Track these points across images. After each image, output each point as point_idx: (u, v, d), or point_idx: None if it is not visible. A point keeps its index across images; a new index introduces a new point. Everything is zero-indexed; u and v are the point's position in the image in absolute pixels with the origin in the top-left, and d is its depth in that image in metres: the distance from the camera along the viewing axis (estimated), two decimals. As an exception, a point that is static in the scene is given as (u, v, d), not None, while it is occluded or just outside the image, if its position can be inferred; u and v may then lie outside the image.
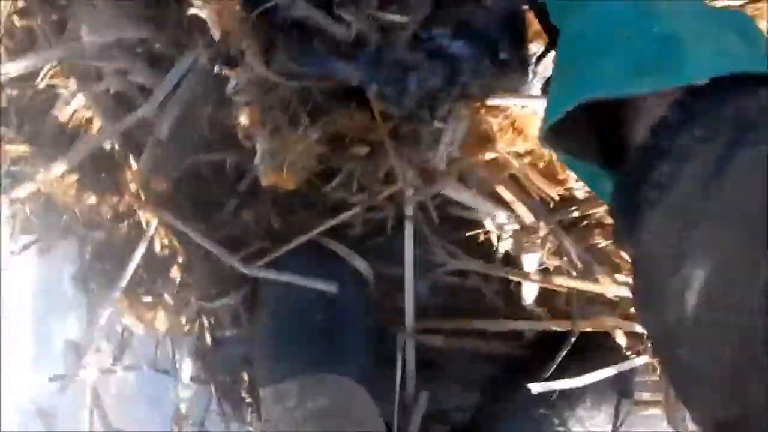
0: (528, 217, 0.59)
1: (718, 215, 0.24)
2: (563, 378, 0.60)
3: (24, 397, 0.72)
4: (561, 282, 0.62)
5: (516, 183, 0.59)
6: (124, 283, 0.64)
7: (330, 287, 0.60)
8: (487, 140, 0.55)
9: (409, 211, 0.61)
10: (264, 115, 0.53)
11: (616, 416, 0.62)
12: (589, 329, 0.62)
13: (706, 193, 0.24)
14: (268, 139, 0.52)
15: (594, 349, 0.62)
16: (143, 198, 0.63)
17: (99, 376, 0.71)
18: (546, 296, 0.64)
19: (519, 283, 0.64)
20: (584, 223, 0.61)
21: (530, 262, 0.62)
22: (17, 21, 0.63)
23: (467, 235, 0.65)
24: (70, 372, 0.69)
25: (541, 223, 0.60)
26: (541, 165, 0.58)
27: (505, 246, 0.63)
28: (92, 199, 0.64)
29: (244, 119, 0.52)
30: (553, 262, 0.62)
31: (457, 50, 0.47)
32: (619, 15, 0.33)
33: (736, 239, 0.22)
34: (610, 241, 0.61)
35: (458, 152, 0.56)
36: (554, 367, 0.61)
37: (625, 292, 0.61)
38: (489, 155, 0.56)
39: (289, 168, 0.55)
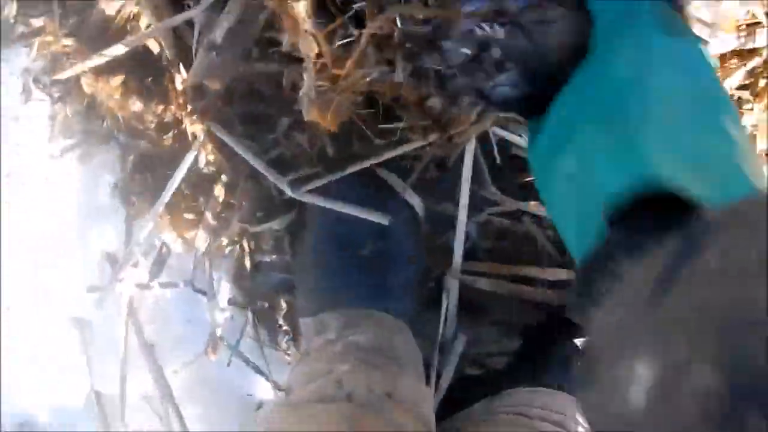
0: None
1: (659, 325, 0.24)
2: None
3: (60, 307, 0.71)
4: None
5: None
6: (167, 197, 0.62)
7: (382, 219, 0.58)
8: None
9: (471, 144, 0.58)
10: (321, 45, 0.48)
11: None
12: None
13: (648, 306, 0.25)
14: (316, 74, 0.49)
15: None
16: (191, 107, 0.60)
17: (136, 291, 0.70)
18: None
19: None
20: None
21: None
22: None
23: (526, 180, 0.62)
24: (107, 284, 0.68)
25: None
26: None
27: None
28: (137, 106, 0.61)
29: (301, 43, 0.48)
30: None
31: None
32: None
33: (676, 347, 0.23)
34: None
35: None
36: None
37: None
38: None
39: (334, 109, 0.51)
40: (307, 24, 0.46)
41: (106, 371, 0.73)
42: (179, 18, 0.55)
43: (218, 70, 0.53)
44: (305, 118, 0.52)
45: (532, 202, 0.61)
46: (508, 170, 0.62)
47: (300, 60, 0.50)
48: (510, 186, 0.62)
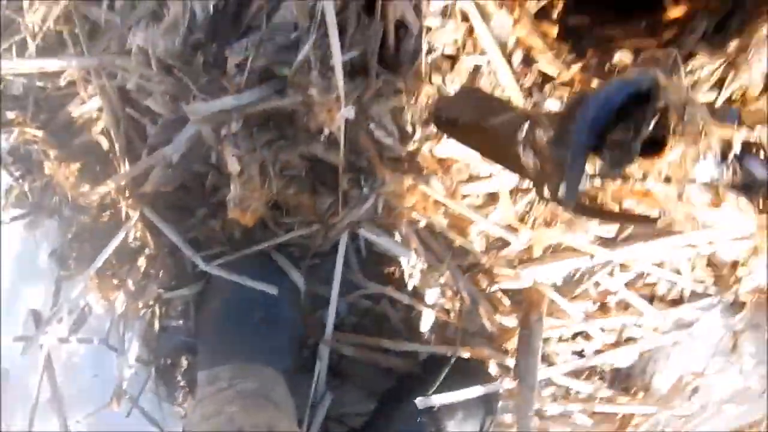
0: (432, 260, 0.76)
1: None
2: (443, 393, 0.75)
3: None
4: (452, 315, 0.78)
5: (429, 229, 0.77)
6: (99, 263, 0.77)
7: (272, 290, 0.75)
8: (408, 194, 0.72)
9: (343, 241, 0.77)
10: (245, 169, 0.69)
11: (481, 429, 0.77)
12: (468, 356, 0.78)
13: None
14: (242, 187, 0.68)
15: (470, 373, 0.78)
16: (129, 194, 0.77)
17: (55, 344, 0.81)
18: (438, 326, 0.80)
19: (419, 313, 0.80)
20: (476, 269, 0.78)
21: (431, 296, 0.78)
22: (52, 25, 0.77)
23: (386, 270, 0.81)
24: (32, 336, 0.80)
25: (444, 266, 0.77)
26: (449, 218, 0.75)
27: (413, 282, 0.79)
28: (86, 188, 0.78)
29: (231, 164, 0.68)
30: (446, 300, 0.78)
31: None
32: None
33: None
34: (493, 287, 0.78)
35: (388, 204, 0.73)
36: (438, 383, 0.76)
37: (505, 325, 0.78)
38: (409, 203, 0.73)
39: (251, 211, 0.71)
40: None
41: (14, 419, 0.82)
42: (128, 126, 0.74)
43: (170, 180, 0.72)
44: (229, 216, 0.70)
45: (389, 287, 0.80)
46: (372, 262, 0.81)
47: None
48: (373, 274, 0.81)
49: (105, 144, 0.80)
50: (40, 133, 0.77)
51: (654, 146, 0.40)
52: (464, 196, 0.75)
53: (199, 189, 0.77)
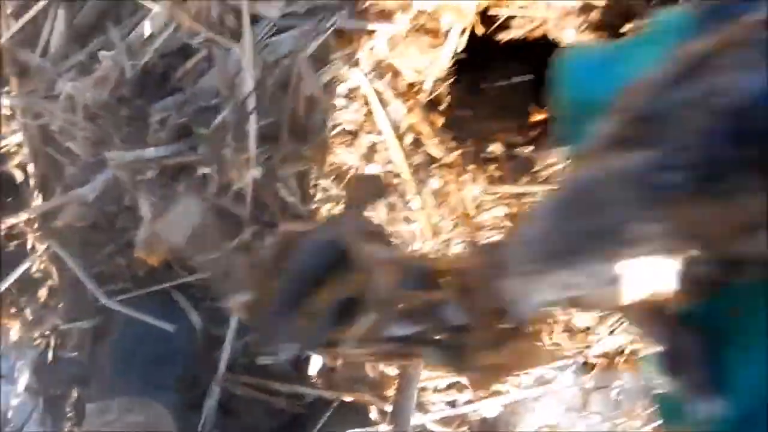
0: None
1: None
2: (325, 434, 0.82)
3: None
4: (339, 361, 0.86)
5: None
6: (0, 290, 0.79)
7: (168, 327, 0.80)
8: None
9: (243, 286, 0.84)
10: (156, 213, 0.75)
11: (357, 469, 0.84)
12: (351, 400, 0.86)
13: None
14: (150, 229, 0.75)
15: (350, 417, 0.85)
16: (39, 227, 0.81)
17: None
18: (326, 371, 0.88)
19: (309, 357, 0.87)
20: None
21: (320, 342, 0.86)
22: None
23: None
24: None
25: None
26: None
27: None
28: (-6, 218, 0.80)
29: (143, 208, 0.74)
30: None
31: None
32: None
33: None
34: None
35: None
36: (320, 425, 0.83)
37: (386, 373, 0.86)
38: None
39: (158, 253, 0.77)
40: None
41: None
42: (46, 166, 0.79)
43: (83, 217, 0.77)
44: (136, 255, 0.75)
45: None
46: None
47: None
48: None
49: (19, 177, 0.84)
50: (-45, 162, 0.80)
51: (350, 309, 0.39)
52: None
53: (109, 228, 0.81)
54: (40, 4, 0.78)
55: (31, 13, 0.79)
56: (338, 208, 0.80)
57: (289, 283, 0.41)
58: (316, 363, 0.87)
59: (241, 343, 0.87)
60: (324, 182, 0.79)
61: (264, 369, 0.89)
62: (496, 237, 0.85)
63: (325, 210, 0.81)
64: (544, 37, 0.81)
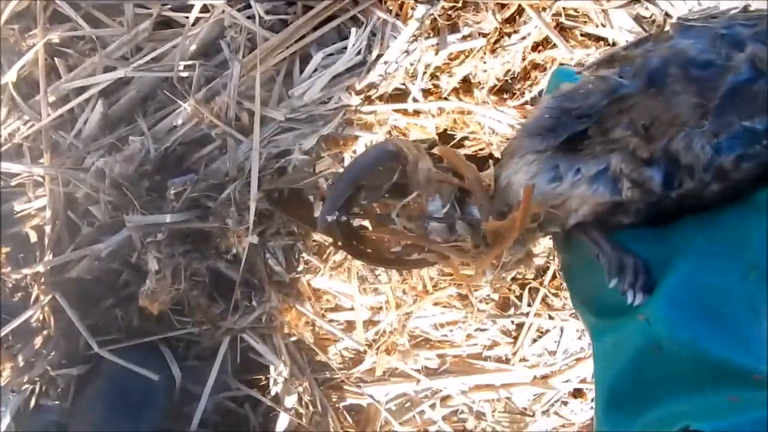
0: (295, 371, 0.95)
1: None
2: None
3: None
4: (304, 421, 0.95)
5: (298, 345, 0.96)
6: None
7: (153, 375, 0.88)
8: (286, 311, 0.93)
9: (224, 346, 0.94)
10: (162, 269, 0.88)
11: None
12: None
13: None
14: (156, 282, 0.87)
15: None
16: (45, 280, 0.91)
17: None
18: (292, 430, 0.96)
19: (276, 416, 0.95)
20: (331, 383, 0.97)
21: (289, 402, 0.95)
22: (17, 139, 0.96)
23: (254, 377, 0.98)
24: None
25: (304, 377, 0.95)
26: (314, 337, 0.96)
27: (276, 388, 0.96)
28: (7, 269, 0.90)
29: (151, 263, 0.87)
30: (301, 407, 0.96)
31: None
32: None
33: None
34: (344, 401, 0.97)
35: (270, 316, 0.94)
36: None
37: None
38: (286, 318, 0.94)
39: (159, 303, 0.88)
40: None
41: None
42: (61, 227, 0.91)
43: (92, 271, 0.89)
44: (141, 303, 0.86)
45: (254, 390, 0.96)
46: (244, 368, 0.97)
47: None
48: (242, 379, 0.97)
49: (33, 237, 0.95)
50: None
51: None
52: (330, 321, 0.97)
53: (111, 282, 0.92)
54: (83, 97, 0.95)
55: (72, 103, 0.96)
56: (318, 278, 0.94)
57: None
58: (283, 421, 0.95)
59: (213, 401, 0.96)
60: (306, 255, 0.94)
61: (233, 427, 0.96)
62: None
63: (305, 280, 0.95)
64: (491, 155, 1.03)
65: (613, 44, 0.95)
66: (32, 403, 0.91)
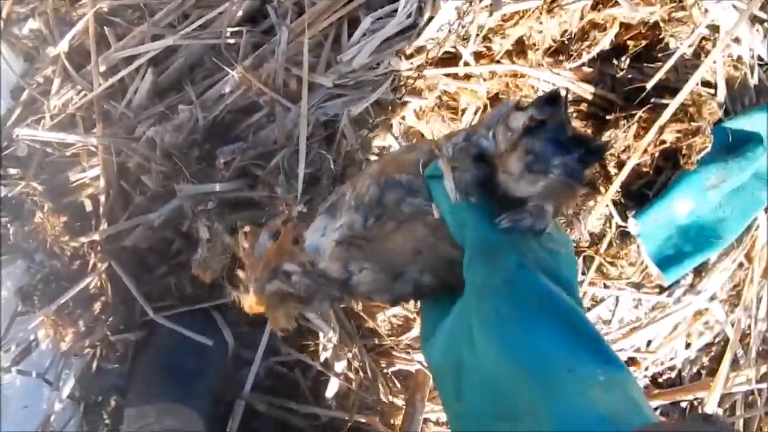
0: (344, 337, 0.96)
1: None
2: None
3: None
4: (354, 386, 0.96)
5: (346, 310, 0.97)
6: (60, 302, 0.90)
7: (206, 341, 0.90)
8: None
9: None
10: (212, 237, 0.89)
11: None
12: (363, 420, 0.95)
13: None
14: (207, 251, 0.88)
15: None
16: (101, 248, 0.93)
17: (-4, 372, 0.90)
18: (341, 395, 0.97)
19: (326, 381, 0.96)
20: (380, 349, 0.98)
21: (338, 367, 0.96)
22: (71, 109, 0.97)
23: (304, 342, 0.99)
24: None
25: (353, 343, 0.96)
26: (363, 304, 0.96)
27: (326, 354, 0.97)
28: (65, 239, 0.92)
29: (202, 232, 0.88)
30: (351, 372, 0.96)
31: None
32: None
33: None
34: (393, 367, 0.98)
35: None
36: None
37: (395, 404, 0.96)
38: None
39: (211, 271, 0.89)
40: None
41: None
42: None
43: (146, 240, 0.90)
44: (193, 272, 0.88)
45: (304, 355, 0.97)
46: (293, 333, 0.98)
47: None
48: (292, 343, 0.98)
49: (89, 206, 0.97)
50: (40, 188, 0.93)
51: None
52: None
53: (164, 250, 0.94)
54: (133, 66, 0.95)
55: (123, 72, 0.96)
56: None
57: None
58: (333, 386, 0.97)
59: (265, 366, 0.97)
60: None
61: (284, 391, 0.98)
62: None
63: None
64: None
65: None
66: (93, 366, 0.94)
